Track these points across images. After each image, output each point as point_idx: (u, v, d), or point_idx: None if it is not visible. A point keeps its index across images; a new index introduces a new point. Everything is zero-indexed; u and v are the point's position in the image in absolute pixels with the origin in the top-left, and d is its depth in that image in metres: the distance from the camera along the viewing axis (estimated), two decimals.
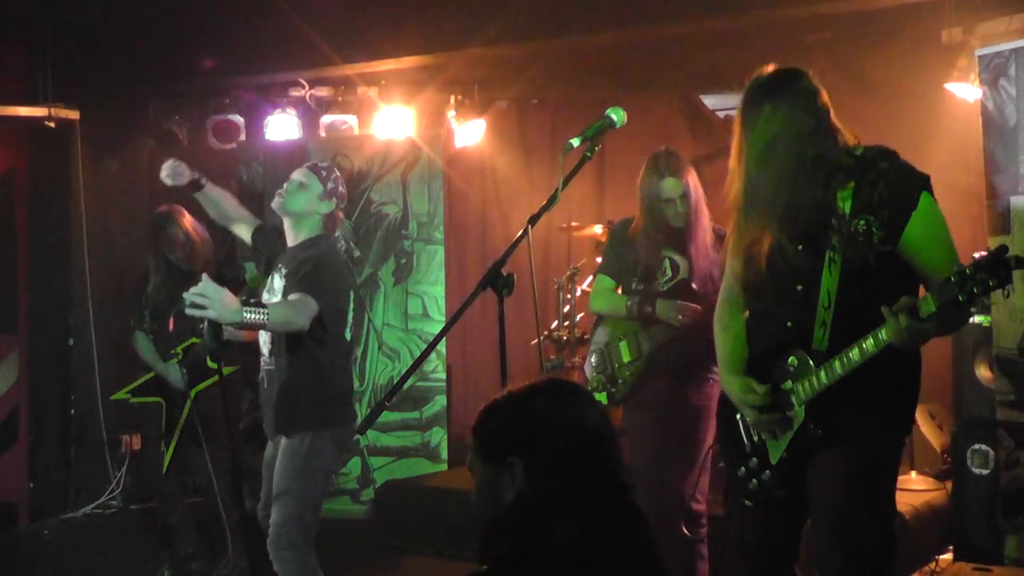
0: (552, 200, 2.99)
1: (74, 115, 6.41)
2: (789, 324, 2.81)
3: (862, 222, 2.68)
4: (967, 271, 2.39)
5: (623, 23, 5.70)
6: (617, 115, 3.13)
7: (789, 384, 2.80)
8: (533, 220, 2.97)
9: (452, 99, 6.59)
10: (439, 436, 6.34)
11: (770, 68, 2.81)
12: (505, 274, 2.86)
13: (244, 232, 4.27)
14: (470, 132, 6.64)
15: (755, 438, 2.93)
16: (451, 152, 6.76)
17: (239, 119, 6.76)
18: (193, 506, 5.33)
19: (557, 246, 7.16)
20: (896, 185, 2.70)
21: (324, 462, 3.86)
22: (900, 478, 4.04)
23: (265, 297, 3.97)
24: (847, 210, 2.71)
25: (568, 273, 6.24)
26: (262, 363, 3.96)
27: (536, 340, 3.83)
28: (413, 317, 6.44)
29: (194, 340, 5.05)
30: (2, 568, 5.57)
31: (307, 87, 6.72)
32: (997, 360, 4.57)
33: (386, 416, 6.20)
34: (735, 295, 3.01)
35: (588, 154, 3.06)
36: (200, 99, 6.85)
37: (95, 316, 6.60)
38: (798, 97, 2.73)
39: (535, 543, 1.90)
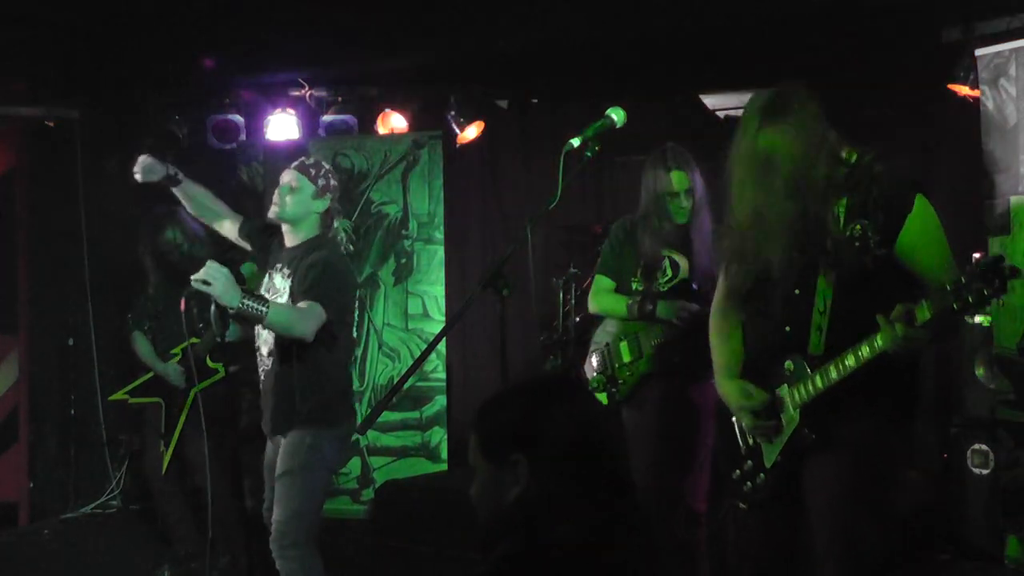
0: (552, 200, 3.00)
1: (74, 115, 6.41)
2: (786, 329, 2.82)
3: (858, 227, 2.68)
4: (963, 280, 2.40)
5: (623, 23, 5.70)
6: (617, 115, 3.13)
7: (785, 388, 2.81)
8: (533, 220, 2.97)
9: (452, 99, 6.59)
10: (439, 436, 6.33)
11: (771, 88, 2.82)
12: (505, 274, 2.86)
13: (226, 228, 4.21)
14: (470, 132, 6.64)
15: (750, 441, 2.94)
16: (451, 152, 6.76)
17: (239, 119, 6.75)
18: (193, 506, 5.33)
19: (557, 246, 7.15)
20: (890, 189, 2.71)
21: (326, 460, 3.85)
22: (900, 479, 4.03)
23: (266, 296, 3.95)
24: (842, 215, 2.72)
25: (568, 273, 6.22)
26: (261, 363, 3.94)
27: (542, 338, 3.83)
28: (413, 317, 6.44)
29: (194, 340, 5.04)
30: (2, 568, 5.56)
31: (307, 87, 6.73)
32: (997, 360, 4.57)
33: (386, 416, 6.20)
34: (731, 301, 3.02)
35: (588, 154, 3.06)
36: (200, 99, 6.84)
37: (95, 316, 6.58)
38: (798, 116, 2.74)
39: (538, 542, 1.89)
